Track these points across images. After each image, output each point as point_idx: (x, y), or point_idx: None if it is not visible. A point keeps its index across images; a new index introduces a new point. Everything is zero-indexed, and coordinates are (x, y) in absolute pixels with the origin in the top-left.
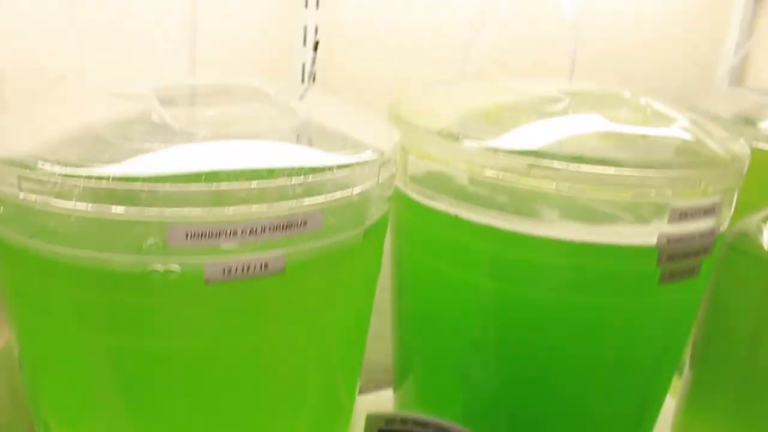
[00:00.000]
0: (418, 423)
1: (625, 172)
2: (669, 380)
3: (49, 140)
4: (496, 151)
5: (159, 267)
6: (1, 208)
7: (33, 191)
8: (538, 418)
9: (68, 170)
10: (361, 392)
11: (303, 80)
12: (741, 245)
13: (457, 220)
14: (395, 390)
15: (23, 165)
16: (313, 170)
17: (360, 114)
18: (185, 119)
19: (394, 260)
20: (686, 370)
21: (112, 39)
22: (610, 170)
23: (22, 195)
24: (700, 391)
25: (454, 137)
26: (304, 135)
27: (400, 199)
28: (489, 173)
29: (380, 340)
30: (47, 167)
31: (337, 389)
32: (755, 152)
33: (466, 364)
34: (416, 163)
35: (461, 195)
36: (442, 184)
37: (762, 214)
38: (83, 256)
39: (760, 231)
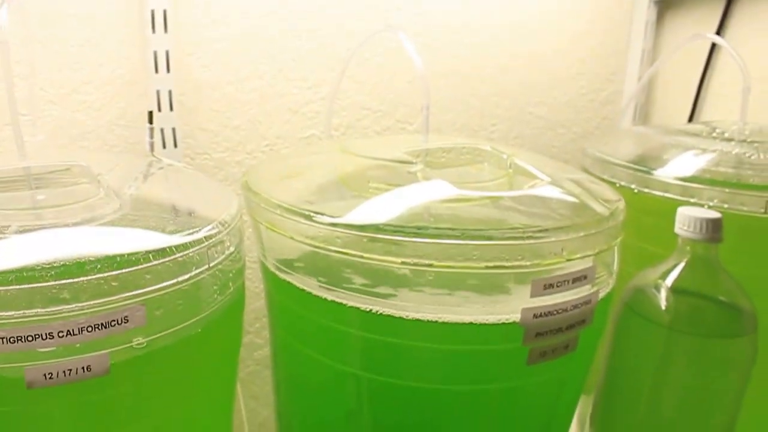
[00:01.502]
0: None
1: (472, 243)
2: None
3: None
4: (336, 226)
5: None
6: None
7: None
8: None
9: None
10: None
11: (151, 152)
12: (636, 306)
13: (319, 301)
14: None
15: None
16: (129, 261)
17: (203, 187)
18: (5, 208)
19: (270, 334)
20: (587, 427)
21: None
22: (455, 242)
23: None
24: None
25: (296, 211)
26: (133, 217)
27: (264, 272)
28: (333, 249)
29: None
30: None
31: None
32: (654, 200)
33: None
34: (271, 236)
35: (322, 272)
36: (299, 259)
37: (659, 269)
38: None
39: (657, 289)
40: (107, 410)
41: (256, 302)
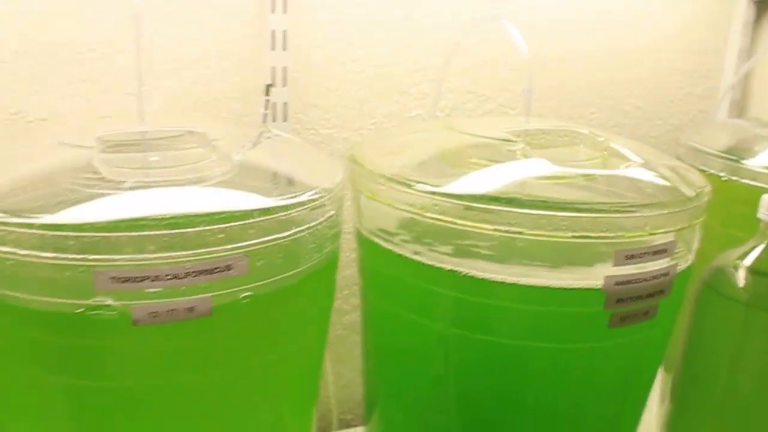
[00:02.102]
0: None
1: (561, 214)
2: (634, 423)
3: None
4: (434, 194)
5: (85, 309)
6: None
7: None
8: None
9: (5, 219)
10: (349, 426)
11: (264, 122)
12: (715, 284)
13: (414, 264)
14: (365, 425)
15: None
16: (236, 216)
17: (310, 156)
18: (125, 166)
19: (360, 298)
20: (667, 401)
21: (85, 85)
22: (546, 212)
23: None
24: (680, 424)
25: (396, 180)
26: (241, 180)
27: (359, 239)
28: (429, 216)
29: None
30: None
31: (287, 425)
32: (742, 188)
33: (428, 404)
34: (372, 205)
35: (417, 238)
36: (398, 226)
37: (739, 250)
38: (24, 299)
39: (735, 269)
40: (206, 350)
41: (345, 270)
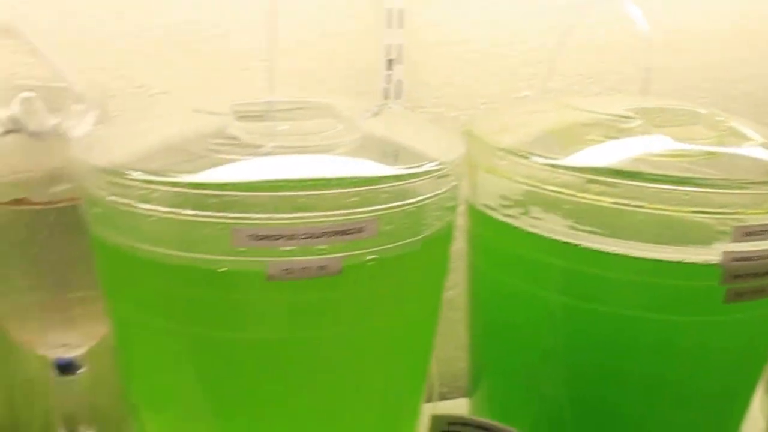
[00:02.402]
0: (480, 426)
1: (683, 188)
2: (745, 401)
3: (138, 151)
4: (555, 166)
5: (225, 265)
6: (99, 208)
7: (120, 195)
8: None
9: (149, 177)
10: (445, 398)
11: (384, 97)
12: None
13: (529, 236)
14: (469, 397)
15: (113, 172)
16: (369, 181)
17: (429, 129)
18: (257, 133)
19: (468, 272)
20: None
21: (200, 60)
22: (668, 187)
23: (110, 198)
24: None
25: (517, 153)
26: (369, 148)
27: (471, 213)
28: (549, 188)
29: (466, 350)
30: (132, 174)
31: (400, 391)
32: None
33: (535, 377)
34: (488, 178)
35: (533, 210)
36: (514, 199)
37: None
38: (162, 254)
39: None
40: (332, 308)
41: None
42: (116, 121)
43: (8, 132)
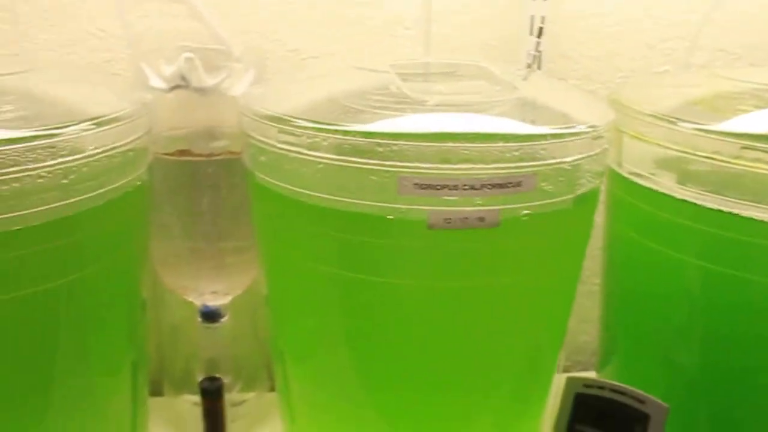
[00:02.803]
0: (615, 390)
1: None
2: None
3: (304, 104)
4: (708, 132)
5: (389, 213)
6: (265, 157)
7: (289, 143)
8: (740, 408)
9: (320, 126)
10: (567, 371)
11: (528, 65)
12: None
13: (675, 201)
14: (598, 371)
15: (284, 120)
16: (530, 137)
17: (578, 96)
18: (418, 91)
19: (606, 240)
20: None
21: (356, 26)
22: None
23: (279, 146)
24: None
25: (666, 119)
26: (524, 109)
27: (615, 179)
28: (701, 155)
29: (589, 323)
30: (303, 123)
31: (540, 344)
32: None
33: (670, 348)
34: (632, 145)
35: (678, 177)
36: (660, 166)
37: None
38: (327, 200)
39: None
40: (488, 259)
41: None
42: (276, 80)
43: (174, 88)
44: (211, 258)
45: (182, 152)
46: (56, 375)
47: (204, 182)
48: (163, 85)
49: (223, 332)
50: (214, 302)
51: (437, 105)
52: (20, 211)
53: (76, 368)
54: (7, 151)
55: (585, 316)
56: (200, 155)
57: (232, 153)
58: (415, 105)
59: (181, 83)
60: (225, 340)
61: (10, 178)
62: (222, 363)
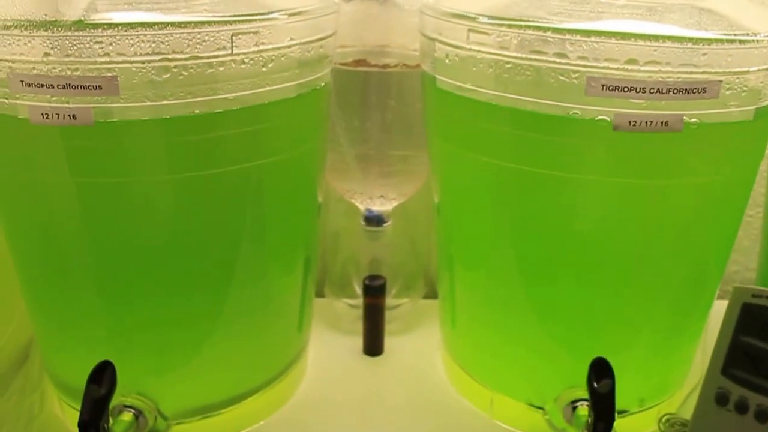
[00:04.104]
0: None
1: None
2: None
3: (488, 7)
4: None
5: (576, 113)
6: (448, 59)
7: (476, 43)
8: None
9: (511, 23)
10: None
11: None
12: None
13: None
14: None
15: (471, 18)
16: (718, 40)
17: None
18: None
19: None
20: None
21: None
22: None
23: (465, 45)
24: None
25: None
26: (704, 18)
27: None
28: None
29: (740, 253)
30: (492, 21)
31: (706, 257)
32: None
33: None
34: None
35: None
36: None
37: None
38: (513, 99)
39: None
40: (668, 163)
41: None
42: None
43: None
44: (380, 164)
45: (358, 62)
46: (240, 259)
47: (377, 93)
48: None
49: (385, 237)
50: (381, 207)
51: (623, 9)
52: (223, 94)
53: (257, 256)
54: (216, 33)
55: (736, 246)
56: (375, 65)
57: (406, 65)
58: (602, 9)
59: None
60: (386, 245)
61: (218, 62)
62: (382, 266)
